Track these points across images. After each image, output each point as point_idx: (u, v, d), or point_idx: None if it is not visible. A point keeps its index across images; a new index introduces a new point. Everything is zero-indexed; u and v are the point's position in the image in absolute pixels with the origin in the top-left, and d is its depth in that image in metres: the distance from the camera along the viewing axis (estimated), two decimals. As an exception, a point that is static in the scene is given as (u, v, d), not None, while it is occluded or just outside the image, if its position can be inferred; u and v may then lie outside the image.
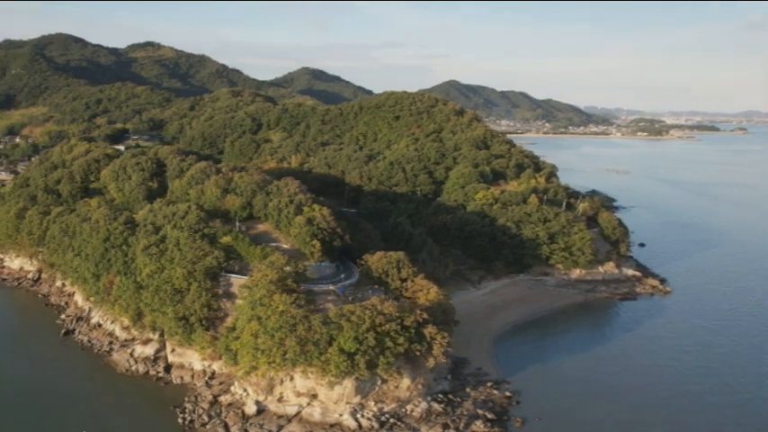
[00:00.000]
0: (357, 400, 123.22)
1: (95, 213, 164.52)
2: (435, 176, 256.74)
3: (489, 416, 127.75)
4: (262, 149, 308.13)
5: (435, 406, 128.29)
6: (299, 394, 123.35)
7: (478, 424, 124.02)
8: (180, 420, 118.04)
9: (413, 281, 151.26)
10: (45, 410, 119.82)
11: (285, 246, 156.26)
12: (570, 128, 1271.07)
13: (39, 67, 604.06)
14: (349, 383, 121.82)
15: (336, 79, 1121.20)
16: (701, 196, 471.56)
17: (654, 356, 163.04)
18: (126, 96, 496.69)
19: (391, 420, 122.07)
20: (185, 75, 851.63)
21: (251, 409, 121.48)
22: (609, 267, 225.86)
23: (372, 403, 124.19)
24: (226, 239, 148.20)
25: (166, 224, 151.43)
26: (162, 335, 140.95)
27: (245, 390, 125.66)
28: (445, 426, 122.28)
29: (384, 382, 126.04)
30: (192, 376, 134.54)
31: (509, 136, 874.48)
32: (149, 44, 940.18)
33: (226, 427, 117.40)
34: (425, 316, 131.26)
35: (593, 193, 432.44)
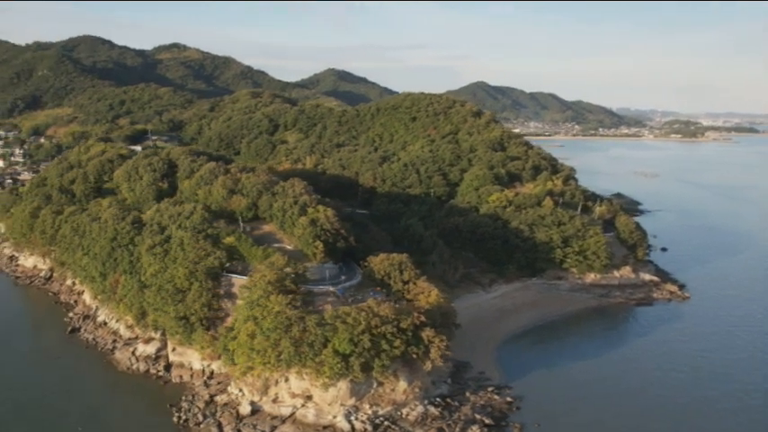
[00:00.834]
0: (352, 402, 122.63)
1: (105, 213, 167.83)
2: (450, 178, 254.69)
3: (487, 421, 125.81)
4: (277, 150, 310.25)
5: (432, 410, 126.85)
6: (293, 395, 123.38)
7: (475, 429, 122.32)
8: (175, 419, 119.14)
9: (415, 283, 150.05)
10: (44, 406, 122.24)
11: (289, 247, 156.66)
12: (600, 130, 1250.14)
13: (65, 68, 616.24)
14: (343, 385, 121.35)
15: (362, 81, 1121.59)
16: (730, 200, 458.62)
17: (664, 361, 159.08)
18: (149, 98, 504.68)
19: (385, 423, 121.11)
20: (210, 76, 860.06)
21: (245, 409, 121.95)
22: (625, 272, 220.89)
23: (367, 406, 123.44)
24: (229, 240, 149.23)
25: (171, 224, 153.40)
26: (164, 334, 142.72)
27: (240, 390, 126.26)
28: (440, 430, 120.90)
29: (380, 384, 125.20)
30: (192, 376, 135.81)
31: (536, 138, 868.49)
32: (175, 46, 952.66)
33: (219, 426, 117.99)
34: (423, 319, 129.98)
35: (618, 196, 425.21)
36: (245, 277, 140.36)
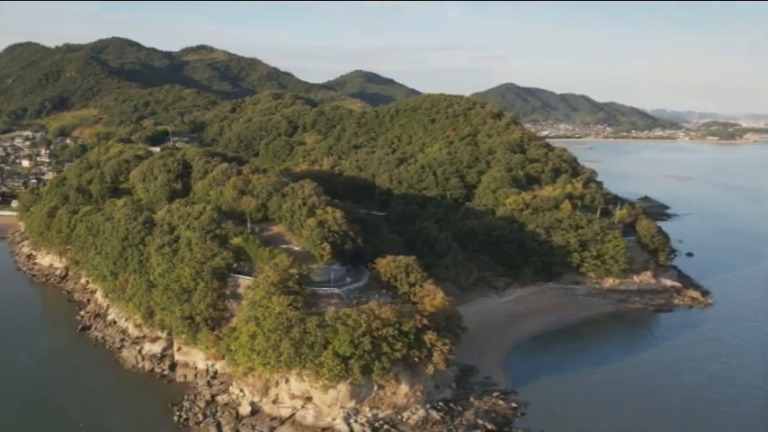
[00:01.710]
0: (352, 404, 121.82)
1: (118, 213, 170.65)
2: (467, 180, 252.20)
3: (490, 426, 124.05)
4: (295, 152, 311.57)
5: (434, 414, 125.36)
6: (293, 396, 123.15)
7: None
8: (175, 418, 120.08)
9: (421, 286, 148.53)
10: (48, 402, 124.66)
11: (296, 248, 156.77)
12: (633, 132, 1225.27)
13: (92, 70, 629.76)
14: (343, 387, 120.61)
15: (389, 82, 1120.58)
16: (764, 204, 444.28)
17: (678, 368, 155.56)
18: (173, 99, 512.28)
19: (385, 427, 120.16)
20: (236, 78, 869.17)
21: (245, 409, 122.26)
22: (645, 277, 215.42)
23: (367, 408, 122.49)
24: (236, 240, 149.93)
25: (181, 224, 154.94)
26: (170, 334, 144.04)
27: (241, 390, 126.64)
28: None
29: (381, 387, 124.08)
30: (195, 375, 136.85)
31: (565, 140, 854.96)
32: (202, 47, 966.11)
33: (218, 426, 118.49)
34: (425, 322, 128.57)
35: (645, 199, 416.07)
36: (251, 278, 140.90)
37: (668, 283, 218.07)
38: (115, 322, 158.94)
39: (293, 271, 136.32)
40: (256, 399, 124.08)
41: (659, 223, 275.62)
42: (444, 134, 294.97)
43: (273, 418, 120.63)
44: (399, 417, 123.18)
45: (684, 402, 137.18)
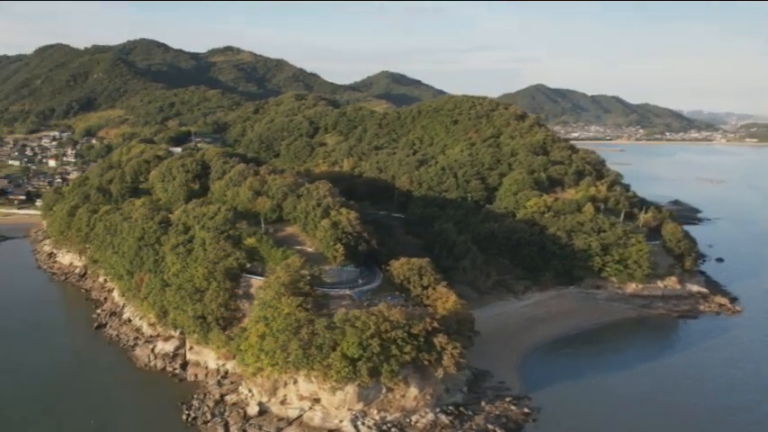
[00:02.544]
0: (359, 406, 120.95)
1: (135, 212, 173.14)
2: (488, 183, 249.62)
3: (500, 431, 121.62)
4: (316, 153, 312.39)
5: (443, 418, 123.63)
6: (301, 397, 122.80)
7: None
8: (184, 417, 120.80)
9: (434, 288, 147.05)
10: (60, 398, 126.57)
11: (310, 249, 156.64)
12: (667, 134, 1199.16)
13: (119, 71, 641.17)
14: (351, 389, 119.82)
15: (416, 83, 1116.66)
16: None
17: (699, 376, 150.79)
18: (198, 100, 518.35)
19: (393, 430, 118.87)
20: (262, 79, 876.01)
21: (253, 409, 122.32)
22: (670, 282, 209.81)
23: (375, 411, 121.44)
24: (250, 241, 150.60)
25: (196, 224, 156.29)
26: (183, 333, 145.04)
27: (250, 390, 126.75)
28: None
29: (389, 390, 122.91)
30: (206, 374, 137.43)
31: (595, 143, 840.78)
32: (229, 48, 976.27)
33: (226, 425, 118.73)
34: (435, 325, 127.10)
35: (676, 203, 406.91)
36: (263, 278, 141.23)
37: (694, 288, 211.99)
38: (130, 321, 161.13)
39: (304, 272, 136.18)
40: (265, 399, 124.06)
41: (689, 227, 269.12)
42: (466, 135, 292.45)
43: (281, 419, 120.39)
44: (408, 420, 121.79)
45: (708, 414, 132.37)
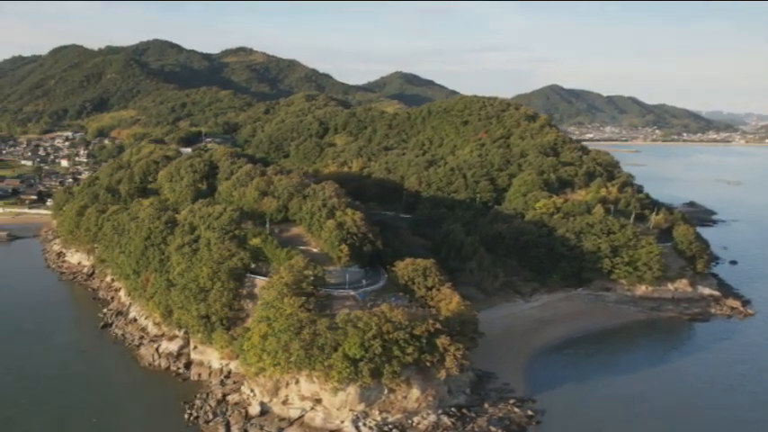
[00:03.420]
0: (361, 407, 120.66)
1: (143, 212, 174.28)
2: (498, 184, 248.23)
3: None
4: (325, 153, 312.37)
5: (445, 419, 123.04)
6: (303, 398, 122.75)
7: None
8: (186, 416, 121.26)
9: (439, 289, 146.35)
10: (63, 396, 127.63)
11: (314, 249, 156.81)
12: (684, 135, 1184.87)
13: (132, 71, 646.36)
14: (353, 390, 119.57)
15: (429, 83, 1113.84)
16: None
17: (707, 380, 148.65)
18: (210, 100, 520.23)
19: (394, 431, 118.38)
20: (274, 79, 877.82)
21: (255, 409, 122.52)
22: (681, 285, 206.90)
23: (377, 412, 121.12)
24: (255, 241, 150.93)
25: (201, 224, 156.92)
26: (187, 332, 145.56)
27: (252, 390, 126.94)
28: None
29: (391, 391, 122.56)
30: (210, 374, 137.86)
31: (610, 143, 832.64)
32: (242, 49, 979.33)
33: (227, 425, 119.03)
34: (438, 326, 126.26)
35: (691, 204, 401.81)
36: (267, 279, 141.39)
37: (706, 291, 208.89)
38: (135, 320, 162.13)
39: (308, 272, 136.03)
40: (266, 399, 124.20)
41: (704, 229, 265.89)
42: (476, 136, 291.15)
43: (282, 419, 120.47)
44: (409, 421, 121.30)
45: (716, 420, 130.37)
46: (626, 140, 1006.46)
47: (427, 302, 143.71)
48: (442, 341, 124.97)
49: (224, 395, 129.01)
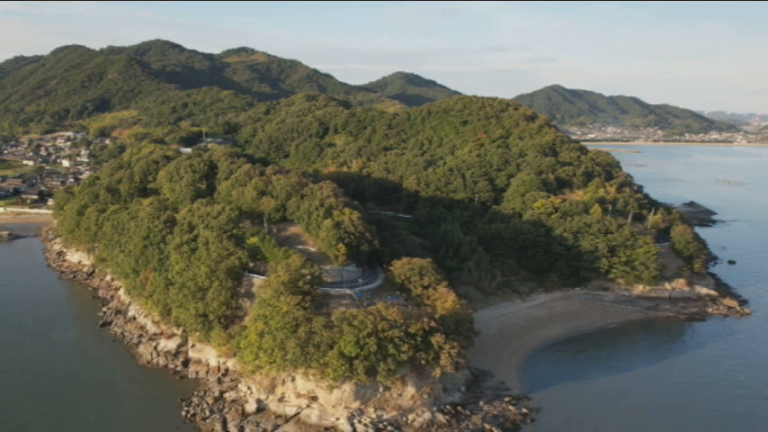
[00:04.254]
0: (356, 405, 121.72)
1: (142, 212, 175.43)
2: (496, 184, 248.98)
3: (496, 431, 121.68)
4: (325, 153, 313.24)
5: (440, 417, 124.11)
6: (299, 395, 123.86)
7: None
8: (183, 413, 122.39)
9: (435, 288, 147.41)
10: (63, 393, 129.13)
11: (312, 249, 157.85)
12: (686, 135, 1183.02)
13: (133, 72, 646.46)
14: (348, 388, 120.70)
15: (431, 83, 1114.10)
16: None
17: (706, 380, 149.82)
18: (211, 101, 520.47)
19: (389, 428, 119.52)
20: (276, 79, 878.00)
21: (251, 406, 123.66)
22: (678, 284, 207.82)
23: (372, 409, 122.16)
24: (252, 240, 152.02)
25: (200, 224, 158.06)
26: (186, 331, 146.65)
27: (249, 388, 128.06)
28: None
29: (386, 389, 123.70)
30: (207, 372, 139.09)
31: (611, 144, 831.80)
32: (243, 49, 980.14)
33: (224, 422, 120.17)
34: (433, 324, 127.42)
35: (691, 204, 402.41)
36: (264, 277, 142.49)
37: (703, 291, 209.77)
38: (135, 318, 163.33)
39: (304, 271, 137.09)
40: (263, 396, 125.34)
41: (703, 229, 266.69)
42: (475, 136, 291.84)
43: (278, 416, 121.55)
44: (404, 419, 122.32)
45: (710, 418, 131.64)
46: (627, 141, 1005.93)
47: (423, 301, 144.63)
48: (436, 339, 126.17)
49: (221, 392, 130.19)
